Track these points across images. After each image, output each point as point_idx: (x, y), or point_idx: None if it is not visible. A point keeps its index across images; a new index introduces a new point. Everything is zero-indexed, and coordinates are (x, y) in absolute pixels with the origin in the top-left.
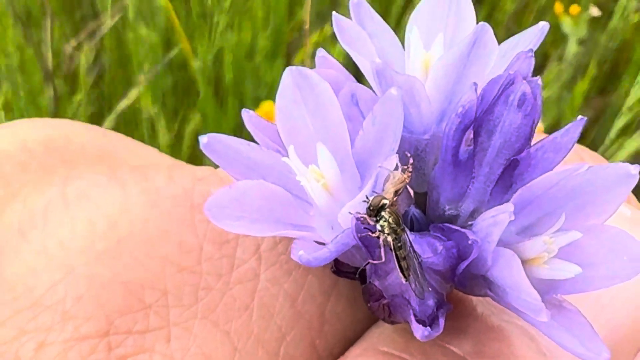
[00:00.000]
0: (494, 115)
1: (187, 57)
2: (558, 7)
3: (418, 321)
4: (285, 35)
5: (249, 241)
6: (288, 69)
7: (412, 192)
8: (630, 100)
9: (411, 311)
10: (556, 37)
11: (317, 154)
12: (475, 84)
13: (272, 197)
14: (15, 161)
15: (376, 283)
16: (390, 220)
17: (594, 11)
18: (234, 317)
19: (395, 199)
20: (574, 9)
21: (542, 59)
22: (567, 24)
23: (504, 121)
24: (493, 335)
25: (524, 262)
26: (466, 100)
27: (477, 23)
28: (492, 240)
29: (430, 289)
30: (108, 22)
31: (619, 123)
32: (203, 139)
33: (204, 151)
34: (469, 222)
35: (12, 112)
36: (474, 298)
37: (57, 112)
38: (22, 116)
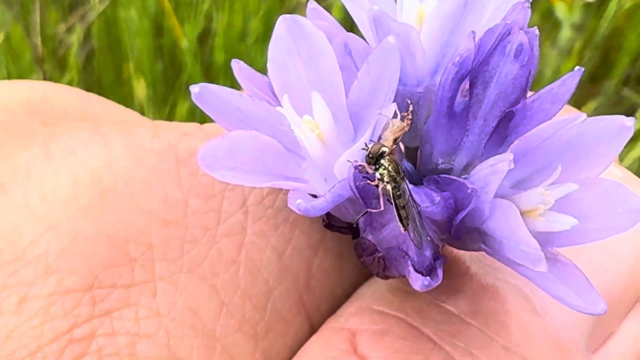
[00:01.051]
0: (490, 66)
1: (177, 37)
2: None
3: (416, 272)
4: (277, 18)
5: (235, 195)
6: (282, 17)
7: (403, 147)
8: None
9: (409, 262)
10: (550, 22)
11: (312, 103)
12: (473, 32)
13: (265, 149)
14: None
15: (369, 237)
16: (390, 168)
17: None
18: (220, 271)
19: (394, 147)
20: None
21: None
22: (560, 10)
23: (500, 72)
24: (487, 294)
25: (522, 213)
26: (464, 48)
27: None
28: (490, 190)
29: (428, 238)
30: (97, 5)
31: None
32: (194, 89)
33: (195, 101)
34: (463, 176)
35: None
36: (467, 257)
37: None
38: None
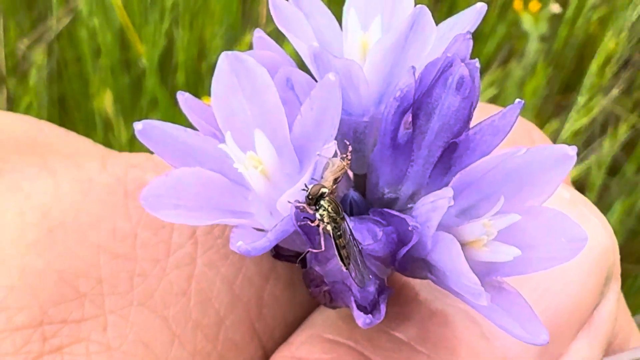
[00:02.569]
0: (432, 98)
1: (139, 56)
2: (517, 4)
3: (359, 308)
4: (238, 32)
5: (184, 225)
6: (224, 53)
7: (351, 174)
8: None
9: (352, 298)
10: (518, 34)
11: (255, 140)
12: (413, 67)
13: (210, 184)
14: None
15: (317, 269)
16: (330, 209)
17: (554, 7)
18: (171, 303)
19: (334, 187)
20: (534, 5)
21: (507, 55)
22: (527, 21)
23: (442, 104)
24: (437, 320)
25: (464, 244)
26: (404, 84)
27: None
28: (431, 225)
29: (370, 276)
30: (62, 20)
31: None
32: (137, 126)
33: (139, 138)
34: (409, 205)
35: None
36: (417, 283)
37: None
38: None
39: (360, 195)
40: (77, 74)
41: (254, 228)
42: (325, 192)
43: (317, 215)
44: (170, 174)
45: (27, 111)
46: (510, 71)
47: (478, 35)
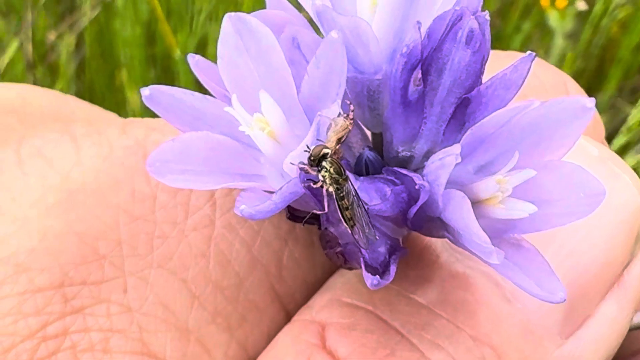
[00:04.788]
0: (442, 53)
1: (170, 47)
2: (544, 1)
3: (369, 269)
4: None
5: None
6: (227, 15)
7: (369, 133)
8: (630, 120)
9: (362, 259)
10: (543, 32)
11: (261, 101)
12: (418, 22)
13: (219, 148)
14: None
15: (331, 230)
16: (332, 170)
17: (581, 5)
18: (190, 265)
19: (338, 147)
20: (560, 2)
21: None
22: (553, 18)
23: (452, 59)
24: (457, 283)
25: (479, 202)
26: (410, 39)
27: None
28: (440, 183)
29: (378, 237)
30: (89, 12)
31: (618, 142)
32: (145, 92)
33: (147, 104)
34: (425, 163)
35: None
36: (437, 245)
37: None
38: None
39: (376, 154)
40: (103, 66)
41: (266, 191)
42: (327, 153)
43: (320, 177)
44: (178, 138)
45: None
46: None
47: (500, 36)
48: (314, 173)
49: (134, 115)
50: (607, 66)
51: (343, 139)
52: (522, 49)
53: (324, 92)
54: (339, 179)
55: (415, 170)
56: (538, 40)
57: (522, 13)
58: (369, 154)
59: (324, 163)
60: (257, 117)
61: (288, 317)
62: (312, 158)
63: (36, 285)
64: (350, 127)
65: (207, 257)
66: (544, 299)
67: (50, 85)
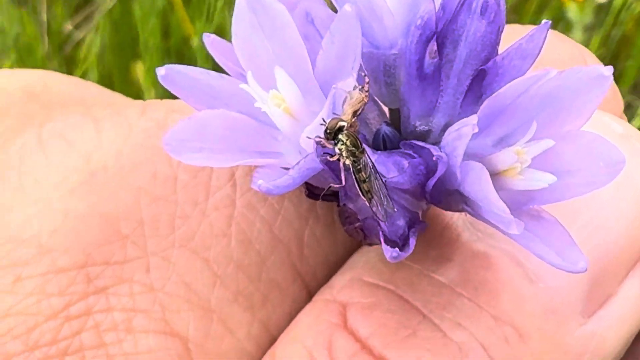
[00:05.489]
0: (457, 25)
1: (187, 35)
2: None
3: (388, 242)
4: None
5: (223, 168)
6: None
7: (386, 109)
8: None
9: (381, 232)
10: (561, 25)
11: (276, 78)
12: None
13: (236, 126)
14: None
15: (350, 205)
16: (348, 142)
17: None
18: (212, 245)
19: (354, 119)
20: None
21: None
22: (572, 11)
23: (468, 30)
24: (479, 263)
25: (498, 173)
26: (424, 11)
27: None
28: (457, 154)
29: (396, 210)
30: (105, 4)
31: None
32: (160, 71)
33: (162, 84)
34: (442, 137)
35: None
36: (459, 224)
37: None
38: None
39: (393, 130)
40: (119, 57)
41: (283, 168)
42: (343, 126)
43: (336, 150)
44: (194, 116)
45: None
46: None
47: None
48: (330, 146)
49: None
50: (621, 63)
51: (359, 111)
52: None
53: (339, 67)
54: (355, 152)
55: (433, 144)
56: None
57: (538, 7)
58: (386, 129)
59: (340, 136)
60: (273, 93)
61: (310, 296)
62: (328, 131)
63: (59, 265)
64: (366, 100)
65: (229, 237)
66: (566, 269)
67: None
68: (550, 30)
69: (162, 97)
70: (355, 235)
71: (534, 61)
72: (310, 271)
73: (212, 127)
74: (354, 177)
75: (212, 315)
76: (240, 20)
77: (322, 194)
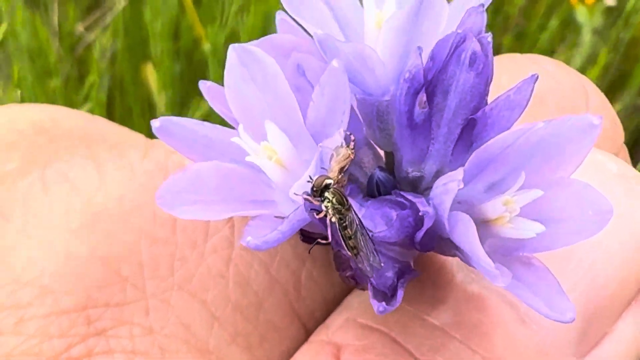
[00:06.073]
0: (447, 75)
1: (198, 38)
2: None
3: (377, 294)
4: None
5: None
6: (231, 46)
7: (382, 152)
8: None
9: (369, 285)
10: (570, 27)
11: (267, 130)
12: (419, 48)
13: (230, 176)
14: (5, 142)
15: (343, 252)
16: (334, 200)
17: (610, 0)
18: (210, 287)
19: (340, 176)
20: None
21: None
22: (581, 14)
23: (457, 80)
24: (472, 305)
25: (488, 221)
26: (411, 65)
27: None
28: (445, 207)
29: (383, 264)
30: (117, 6)
31: None
32: (155, 123)
33: (157, 135)
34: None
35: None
36: (454, 265)
37: (67, 95)
38: (30, 99)
39: (387, 175)
40: (130, 59)
41: (277, 217)
42: (329, 184)
43: (323, 207)
44: (188, 168)
45: (88, 92)
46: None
47: (524, 33)
48: (317, 203)
49: (160, 111)
50: (630, 65)
51: (346, 167)
52: (549, 46)
53: (330, 118)
54: (341, 209)
55: (425, 190)
56: (561, 36)
57: (548, 10)
58: (379, 174)
59: (326, 194)
60: (265, 145)
61: (308, 335)
62: (314, 189)
63: (61, 307)
64: (352, 156)
65: (227, 279)
66: (553, 319)
67: (79, 78)
68: (553, 61)
69: (172, 100)
70: (347, 282)
71: (522, 111)
72: (307, 311)
73: (206, 179)
74: (339, 234)
75: (211, 357)
76: (232, 73)
77: (317, 239)
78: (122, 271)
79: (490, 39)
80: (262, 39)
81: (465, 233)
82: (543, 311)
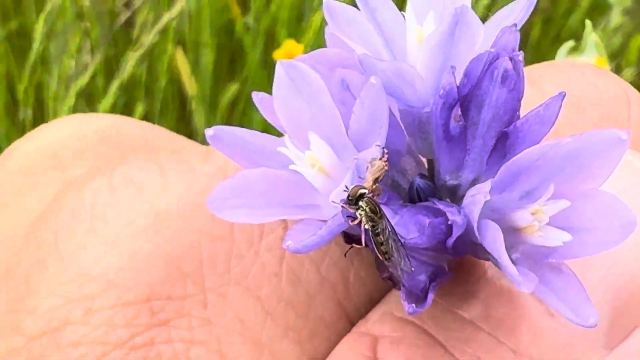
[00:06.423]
0: (481, 91)
1: (234, 18)
2: None
3: (408, 296)
4: None
5: None
6: (279, 62)
7: (424, 160)
8: None
9: (402, 287)
10: (600, 9)
11: (310, 141)
12: (453, 67)
13: (276, 182)
14: (73, 149)
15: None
16: (367, 209)
17: None
18: (264, 283)
19: (375, 185)
20: None
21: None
22: None
23: (490, 96)
24: (501, 299)
25: (519, 229)
26: (445, 82)
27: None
28: (474, 217)
29: (413, 268)
30: None
31: None
32: (209, 132)
33: (210, 143)
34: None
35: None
36: (486, 262)
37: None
38: None
39: (427, 182)
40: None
41: (321, 220)
42: (364, 193)
43: (357, 214)
44: (236, 175)
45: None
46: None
47: (551, 17)
48: (352, 211)
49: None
50: None
51: (380, 178)
52: (578, 27)
53: (370, 128)
54: (374, 217)
55: (462, 197)
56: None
57: None
58: (419, 181)
59: (360, 202)
60: (309, 154)
61: None
62: (350, 198)
63: (125, 300)
64: (386, 168)
65: (279, 276)
66: (577, 323)
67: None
68: (594, 67)
69: (204, 84)
70: (386, 282)
71: (551, 126)
72: (354, 308)
73: (253, 185)
74: (372, 240)
75: (264, 349)
76: (280, 86)
77: (357, 240)
78: (183, 268)
79: (521, 57)
80: (310, 53)
81: (493, 240)
82: (567, 315)
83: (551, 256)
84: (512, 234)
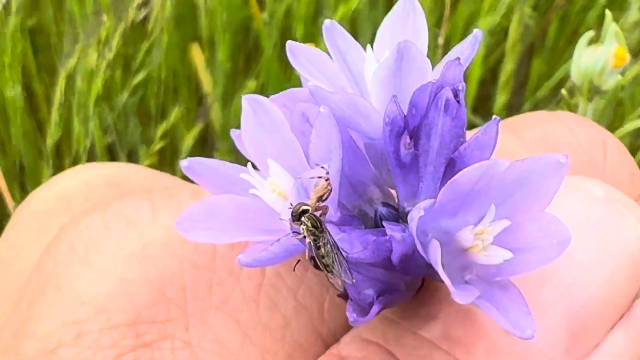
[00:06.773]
0: (429, 120)
1: (254, 14)
2: None
3: (355, 307)
4: None
5: None
6: (244, 97)
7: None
8: None
9: (349, 298)
10: (617, 5)
11: (269, 168)
12: (394, 96)
13: (243, 207)
14: (82, 193)
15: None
16: (309, 224)
17: None
18: (243, 308)
19: (318, 204)
20: None
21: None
22: None
23: (437, 125)
24: (460, 318)
25: (467, 250)
26: (389, 110)
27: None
28: (413, 233)
29: (354, 280)
30: None
31: None
32: (184, 163)
33: (185, 173)
34: None
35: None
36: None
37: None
38: None
39: (389, 209)
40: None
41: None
42: (307, 210)
43: (300, 229)
44: (205, 200)
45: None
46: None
47: (566, 14)
48: (296, 227)
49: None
50: None
51: (324, 197)
52: (595, 24)
53: (327, 155)
54: (315, 232)
55: None
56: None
57: None
58: (382, 209)
59: (302, 218)
60: (270, 180)
61: None
62: (293, 214)
63: (113, 323)
64: (330, 187)
65: (257, 302)
66: (515, 335)
67: (135, 44)
68: (575, 116)
69: (216, 81)
70: (338, 296)
71: (492, 150)
72: (330, 332)
73: (221, 209)
74: (314, 253)
75: None
76: (246, 119)
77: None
78: (167, 293)
79: (461, 87)
80: (281, 92)
81: (433, 254)
82: (506, 327)
83: (499, 274)
84: (462, 255)
